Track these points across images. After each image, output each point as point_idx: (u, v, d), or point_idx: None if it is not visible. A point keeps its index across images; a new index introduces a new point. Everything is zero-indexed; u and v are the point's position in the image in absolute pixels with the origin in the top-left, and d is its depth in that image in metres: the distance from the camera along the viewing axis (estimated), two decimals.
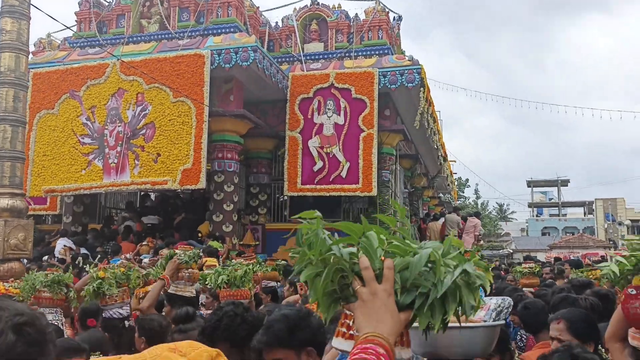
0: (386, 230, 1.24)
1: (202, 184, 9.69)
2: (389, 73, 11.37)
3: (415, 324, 1.16)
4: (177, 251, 4.23)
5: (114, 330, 3.77)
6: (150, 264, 6.33)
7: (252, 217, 12.54)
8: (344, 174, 11.28)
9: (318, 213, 1.19)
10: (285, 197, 12.33)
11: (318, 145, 11.49)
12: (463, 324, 1.15)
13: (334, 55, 12.65)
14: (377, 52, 12.39)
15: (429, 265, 1.12)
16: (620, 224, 56.18)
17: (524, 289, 5.77)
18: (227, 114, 10.43)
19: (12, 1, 7.23)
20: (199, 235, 10.60)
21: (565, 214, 65.74)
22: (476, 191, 56.04)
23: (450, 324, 1.13)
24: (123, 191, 11.51)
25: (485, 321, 1.56)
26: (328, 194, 11.39)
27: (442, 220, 15.15)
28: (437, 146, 15.76)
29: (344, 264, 1.11)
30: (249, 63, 9.91)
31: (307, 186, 11.43)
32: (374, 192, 11.21)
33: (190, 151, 9.63)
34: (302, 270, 1.15)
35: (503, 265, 13.84)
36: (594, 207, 61.42)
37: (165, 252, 8.81)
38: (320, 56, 12.72)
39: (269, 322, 2.45)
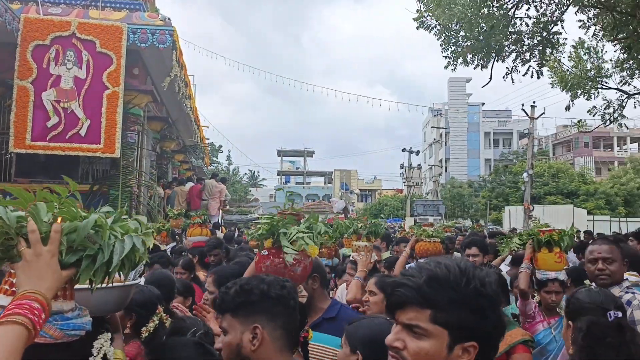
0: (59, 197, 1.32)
1: None
2: (139, 30, 10.84)
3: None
4: None
5: None
6: None
7: None
8: (83, 132, 10.49)
9: None
10: (12, 154, 10.96)
11: (54, 98, 10.44)
12: (104, 285, 1.29)
13: (78, 3, 11.55)
14: (127, 7, 11.69)
15: (97, 229, 1.24)
16: (352, 192, 64.13)
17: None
18: None
19: None
20: None
21: (310, 182, 72.06)
22: (228, 157, 57.64)
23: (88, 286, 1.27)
24: None
25: (131, 280, 1.72)
26: (64, 153, 10.48)
27: (189, 185, 15.27)
28: (189, 111, 15.72)
29: (7, 228, 1.18)
30: None
31: (39, 143, 10.33)
32: (117, 154, 10.69)
33: None
34: None
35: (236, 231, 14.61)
36: (332, 177, 68.74)
37: None
38: (62, 1, 11.49)
39: None
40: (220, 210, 14.90)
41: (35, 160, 10.83)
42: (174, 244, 9.25)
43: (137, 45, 10.88)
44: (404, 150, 41.64)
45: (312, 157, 73.50)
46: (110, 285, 1.44)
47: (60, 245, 1.20)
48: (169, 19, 11.49)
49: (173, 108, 15.44)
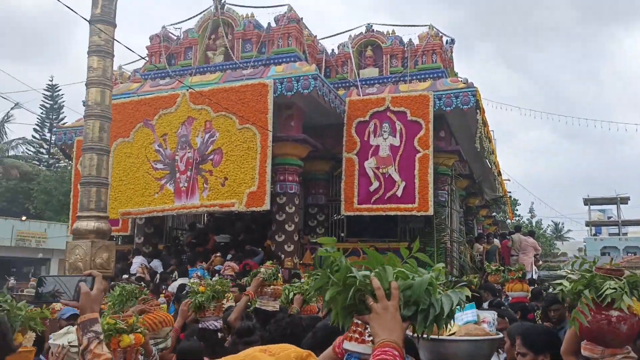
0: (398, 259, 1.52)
1: (266, 205, 10.16)
2: (444, 96, 11.63)
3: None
4: (262, 269, 4.63)
5: (209, 340, 4.19)
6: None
7: (310, 236, 12.93)
8: (399, 193, 11.53)
9: (333, 238, 1.51)
10: (342, 217, 12.66)
11: (374, 165, 11.82)
12: (475, 337, 1.45)
13: (389, 80, 13.02)
14: (431, 76, 12.68)
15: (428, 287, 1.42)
16: None
17: None
18: (289, 139, 10.94)
19: (98, 41, 7.97)
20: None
21: (626, 233, 62.96)
22: (531, 210, 54.73)
23: (458, 337, 1.45)
24: (192, 213, 12.18)
25: (491, 332, 1.83)
26: (384, 214, 11.65)
27: (495, 240, 15.10)
28: (491, 165, 15.81)
29: (363, 286, 1.40)
30: (309, 90, 10.41)
31: (364, 206, 11.74)
32: (431, 212, 11.38)
33: (256, 175, 10.15)
34: (321, 287, 1.45)
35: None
36: None
37: (232, 264, 9.51)
38: (376, 81, 13.11)
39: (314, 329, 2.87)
40: (534, 266, 14.27)
41: (361, 221, 12.28)
42: (492, 298, 9.23)
43: (442, 109, 11.64)
44: None
45: (627, 203, 64.24)
46: (489, 337, 1.61)
47: (399, 301, 1.40)
48: (469, 80, 12.02)
49: (476, 164, 15.74)
